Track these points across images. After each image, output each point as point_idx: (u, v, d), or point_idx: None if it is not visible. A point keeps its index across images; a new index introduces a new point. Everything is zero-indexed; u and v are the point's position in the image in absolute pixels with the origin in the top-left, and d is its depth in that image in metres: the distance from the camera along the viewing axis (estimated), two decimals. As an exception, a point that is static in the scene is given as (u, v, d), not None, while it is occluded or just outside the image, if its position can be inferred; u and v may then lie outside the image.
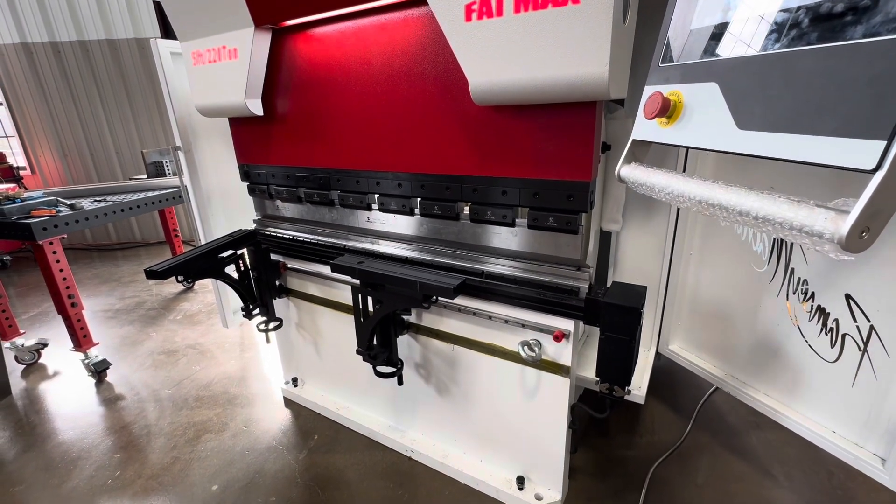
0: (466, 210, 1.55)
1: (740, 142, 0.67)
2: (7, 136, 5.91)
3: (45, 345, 3.11)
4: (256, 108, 1.84)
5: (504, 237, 1.53)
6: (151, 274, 1.69)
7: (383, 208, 1.72)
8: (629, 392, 1.51)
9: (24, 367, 3.02)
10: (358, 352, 1.76)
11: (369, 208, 1.79)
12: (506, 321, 1.59)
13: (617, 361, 1.39)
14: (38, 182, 5.82)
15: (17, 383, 2.85)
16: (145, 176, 4.19)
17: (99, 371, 2.81)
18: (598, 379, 1.47)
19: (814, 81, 0.57)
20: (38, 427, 2.44)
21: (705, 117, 0.74)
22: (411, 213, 1.67)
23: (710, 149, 0.73)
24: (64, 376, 2.92)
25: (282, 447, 2.20)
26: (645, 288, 1.43)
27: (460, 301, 1.64)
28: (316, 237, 2.02)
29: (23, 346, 3.00)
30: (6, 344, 2.95)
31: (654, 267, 2.04)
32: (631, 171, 1.01)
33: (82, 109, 5.41)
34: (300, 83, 1.76)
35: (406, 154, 1.59)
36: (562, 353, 1.54)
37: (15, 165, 5.55)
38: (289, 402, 2.53)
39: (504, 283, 1.53)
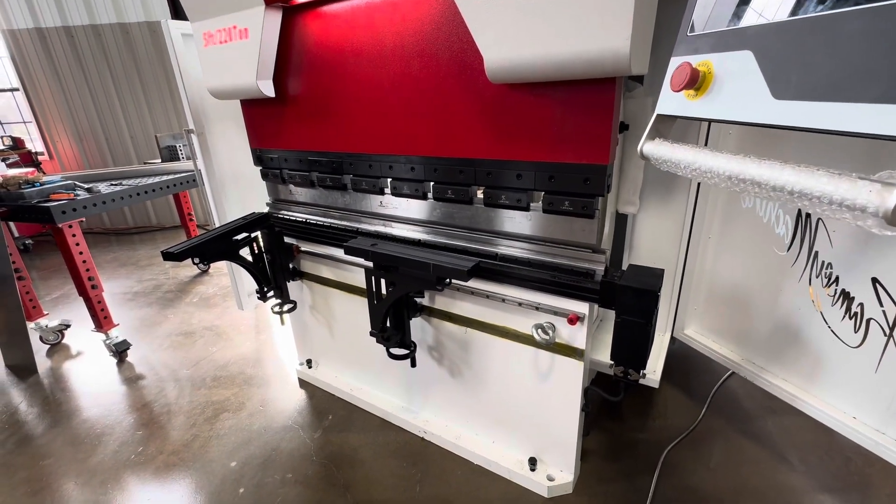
0: (480, 194, 1.53)
1: (777, 113, 0.63)
2: (25, 122, 5.99)
3: (68, 326, 3.20)
4: (268, 90, 1.83)
5: (518, 221, 1.51)
6: (168, 256, 1.71)
7: (396, 192, 1.70)
8: (644, 376, 1.50)
9: (48, 347, 3.12)
10: (371, 334, 1.77)
11: (382, 192, 1.78)
12: (519, 304, 1.58)
13: (632, 345, 1.38)
14: (56, 167, 5.91)
15: (42, 362, 2.95)
16: (159, 160, 4.22)
17: (120, 351, 2.88)
18: (612, 362, 1.46)
19: (860, 45, 0.53)
20: (64, 404, 2.53)
21: (738, 88, 0.71)
22: (424, 197, 1.66)
23: (743, 121, 0.69)
24: (86, 356, 3.01)
25: (297, 426, 2.24)
26: (662, 271, 1.41)
27: (473, 284, 1.63)
28: (329, 220, 2.02)
29: (46, 326, 3.09)
30: (31, 325, 3.03)
31: (671, 250, 2.01)
32: (655, 148, 0.98)
33: (96, 94, 5.45)
34: (311, 63, 1.74)
35: (419, 137, 1.56)
36: (576, 336, 1.53)
37: (33, 150, 5.64)
38: (303, 383, 2.57)
39: (518, 266, 1.51)
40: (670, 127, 1.01)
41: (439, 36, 1.39)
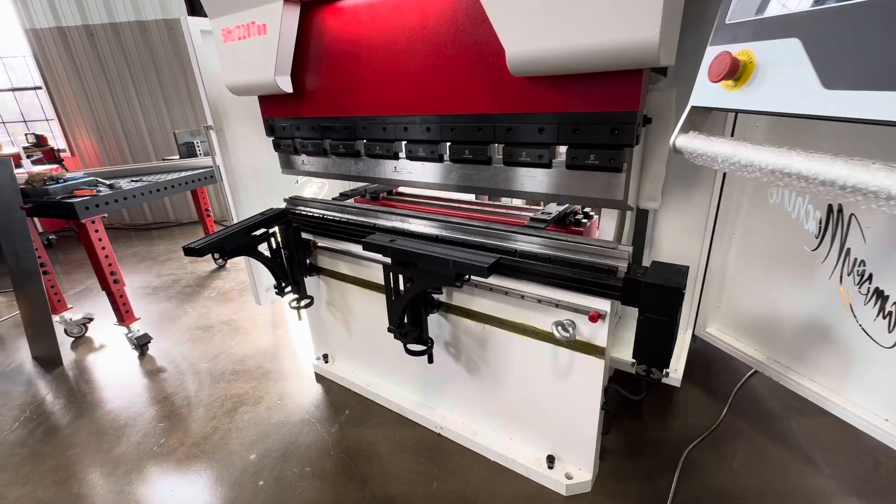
0: (499, 155, 1.51)
1: (827, 103, 0.60)
2: (48, 119, 6.13)
3: (91, 319, 3.27)
4: (286, 85, 1.83)
5: (539, 180, 1.47)
6: (190, 251, 1.73)
7: (411, 156, 1.70)
8: (667, 375, 1.47)
9: (72, 339, 3.20)
10: (389, 329, 1.77)
11: (396, 157, 1.78)
12: (539, 301, 1.56)
13: (656, 343, 1.35)
14: (77, 164, 6.04)
15: (67, 355, 3.02)
16: (177, 157, 4.28)
17: (141, 345, 2.94)
18: (633, 360, 1.43)
19: (926, 29, 0.50)
20: (89, 395, 2.59)
21: (783, 78, 0.68)
22: (440, 159, 1.65)
23: (789, 113, 0.66)
24: (109, 349, 3.08)
25: (314, 420, 2.26)
26: (687, 267, 1.37)
27: (493, 280, 1.62)
28: (346, 216, 2.02)
29: (71, 319, 3.16)
30: (56, 318, 3.11)
31: (693, 246, 1.96)
32: (689, 141, 0.94)
33: (116, 92, 5.54)
34: (327, 43, 1.73)
35: (435, 95, 1.53)
36: (596, 333, 1.50)
37: (56, 148, 5.76)
38: (320, 378, 2.59)
39: (539, 263, 1.49)
40: (705, 119, 0.98)
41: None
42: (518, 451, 1.90)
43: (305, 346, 2.90)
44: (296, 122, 2.01)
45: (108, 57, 5.37)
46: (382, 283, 1.73)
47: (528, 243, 1.54)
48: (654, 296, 1.30)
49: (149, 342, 3.00)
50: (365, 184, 2.62)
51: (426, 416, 2.15)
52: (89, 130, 5.79)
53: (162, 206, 6.10)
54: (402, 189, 2.63)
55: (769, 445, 1.94)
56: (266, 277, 2.51)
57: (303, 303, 2.31)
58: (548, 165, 1.42)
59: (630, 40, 1.02)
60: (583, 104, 1.27)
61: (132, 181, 3.06)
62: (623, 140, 1.25)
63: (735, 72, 0.76)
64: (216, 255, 1.85)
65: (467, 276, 1.49)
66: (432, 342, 1.85)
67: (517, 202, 2.44)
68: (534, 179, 1.48)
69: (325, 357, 2.60)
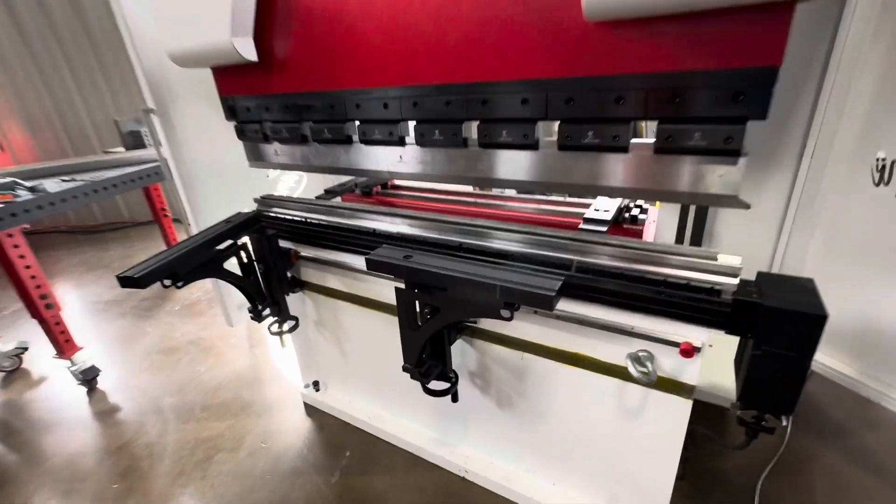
0: (549, 137, 1.12)
1: None
2: (-33, 109, 5.30)
3: (26, 349, 2.74)
4: (248, 51, 1.37)
5: (612, 169, 1.08)
6: (128, 282, 1.28)
7: (424, 141, 1.28)
8: (786, 424, 1.14)
9: (2, 375, 2.66)
10: (405, 368, 1.38)
11: (402, 143, 1.35)
12: (604, 327, 1.20)
13: (779, 386, 1.01)
14: (8, 160, 5.27)
15: (-3, 394, 2.51)
16: (122, 148, 3.68)
17: (88, 379, 2.45)
18: (739, 404, 1.09)
19: None
20: (22, 449, 2.10)
21: None
22: (464, 144, 1.24)
23: None
24: (51, 384, 2.57)
25: (309, 468, 1.87)
26: (812, 281, 1.03)
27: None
28: (336, 218, 1.59)
29: (0, 351, 2.63)
30: (-20, 350, 2.57)
31: (763, 242, 1.63)
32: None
33: (46, 74, 4.79)
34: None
35: (460, 56, 1.11)
36: (685, 369, 1.15)
37: (-20, 142, 5.00)
38: (311, 410, 2.18)
39: (609, 279, 1.12)
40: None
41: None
42: (564, 498, 1.56)
43: (291, 369, 2.48)
44: (264, 100, 1.55)
45: (33, 33, 4.60)
46: (384, 300, 1.34)
47: (590, 254, 1.16)
48: (782, 325, 0.95)
49: (97, 375, 2.50)
50: (352, 178, 2.18)
51: (446, 457, 1.78)
52: (19, 121, 5.02)
53: (114, 205, 5.42)
54: (398, 182, 2.20)
55: (848, 469, 1.67)
56: (238, 292, 2.06)
57: (286, 326, 1.88)
58: (624, 148, 1.03)
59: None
60: (691, 59, 0.88)
61: (63, 181, 2.51)
62: (751, 110, 0.87)
63: None
64: (166, 283, 1.40)
65: (518, 306, 1.11)
66: (456, 377, 1.47)
67: (543, 195, 2.04)
68: (604, 169, 1.09)
69: (316, 384, 2.19)
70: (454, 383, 1.45)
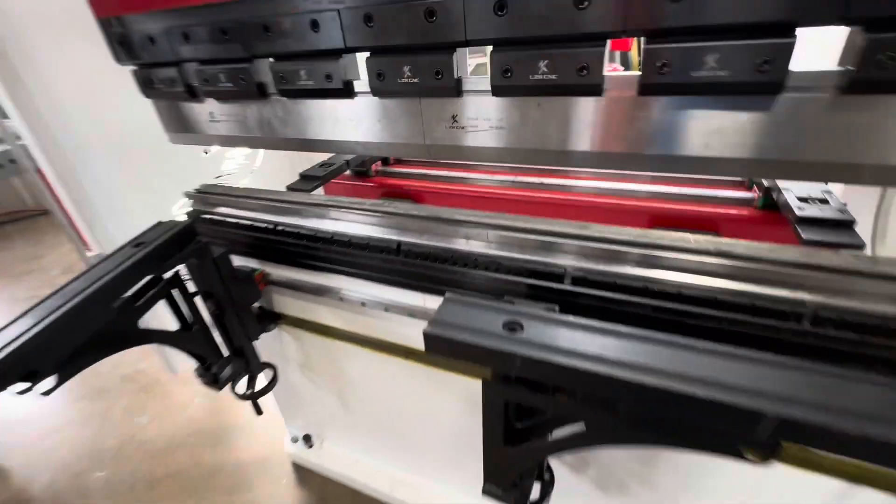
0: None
1: None
2: None
3: None
4: None
5: (765, 123, 0.53)
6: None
7: (502, 85, 0.67)
8: None
9: None
10: (486, 491, 0.81)
11: (458, 93, 0.71)
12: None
13: None
14: None
15: None
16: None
17: (-27, 457, 1.74)
18: None
19: None
20: None
21: None
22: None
23: None
24: (-78, 461, 1.83)
25: (314, 575, 1.32)
26: None
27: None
28: (321, 222, 0.95)
29: None
30: None
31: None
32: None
33: None
34: None
35: None
36: None
37: None
38: (303, 473, 1.62)
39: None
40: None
41: None
42: None
43: (272, 413, 1.87)
44: (179, 17, 0.83)
45: None
46: (404, 343, 0.77)
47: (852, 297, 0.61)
48: None
49: (-11, 447, 1.80)
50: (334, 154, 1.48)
51: (509, 545, 1.28)
52: None
53: (10, 189, 4.35)
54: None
55: None
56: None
57: (258, 385, 1.26)
58: (777, 87, 0.46)
59: None
60: None
61: None
62: None
63: None
64: (28, 387, 0.74)
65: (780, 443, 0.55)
66: (552, 475, 0.93)
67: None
68: (752, 124, 0.52)
69: (308, 438, 1.61)
70: (550, 487, 0.91)
